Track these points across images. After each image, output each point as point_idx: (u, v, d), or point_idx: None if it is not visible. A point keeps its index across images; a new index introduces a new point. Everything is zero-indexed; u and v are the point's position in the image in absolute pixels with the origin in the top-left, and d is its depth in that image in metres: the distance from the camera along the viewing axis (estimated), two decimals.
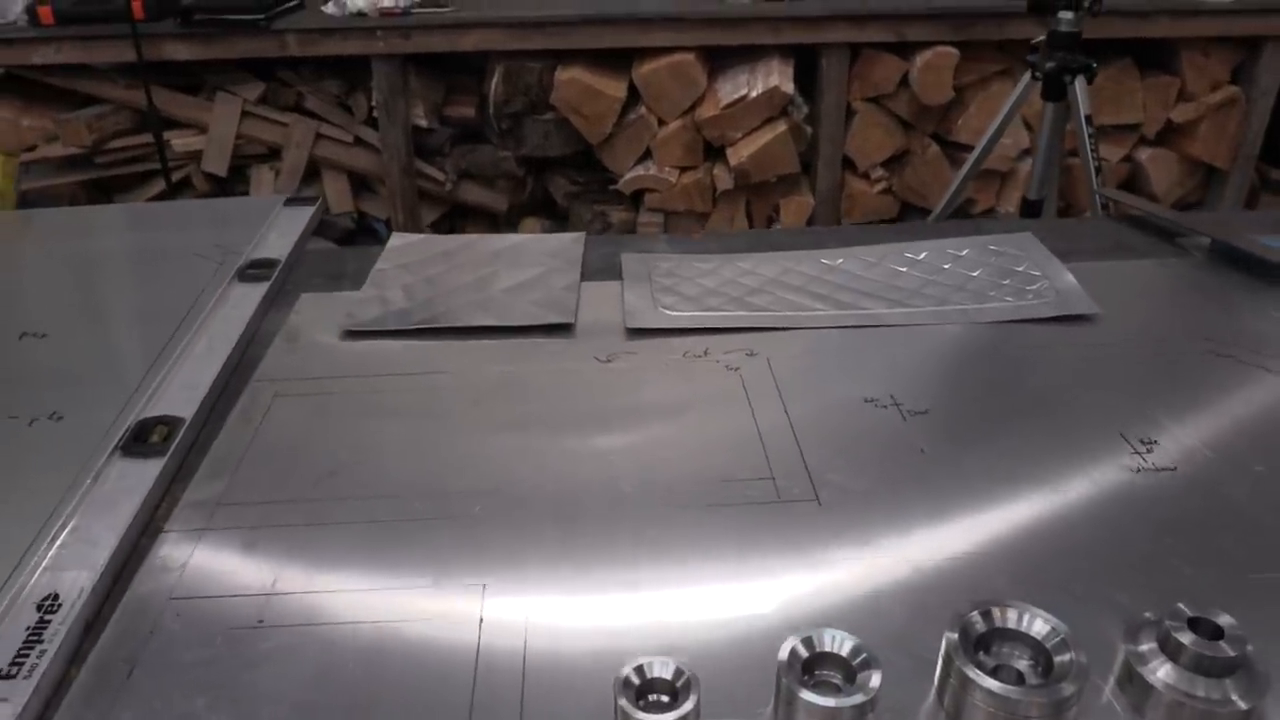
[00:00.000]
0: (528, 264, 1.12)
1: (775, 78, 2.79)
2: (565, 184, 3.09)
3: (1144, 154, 3.03)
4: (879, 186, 2.99)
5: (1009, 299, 1.01)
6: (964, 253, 1.12)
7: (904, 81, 2.87)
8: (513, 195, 3.10)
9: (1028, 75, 2.16)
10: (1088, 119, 2.09)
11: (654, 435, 0.80)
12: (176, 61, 2.79)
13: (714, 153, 2.95)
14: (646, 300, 1.01)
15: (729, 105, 2.80)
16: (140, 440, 0.79)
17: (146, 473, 0.76)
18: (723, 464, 0.75)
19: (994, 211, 3.04)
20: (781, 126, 2.82)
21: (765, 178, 2.89)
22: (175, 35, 2.75)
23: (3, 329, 1.00)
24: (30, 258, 1.19)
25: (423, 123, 2.92)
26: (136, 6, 2.67)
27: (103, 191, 3.04)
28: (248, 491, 0.74)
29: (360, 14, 2.77)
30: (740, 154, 2.85)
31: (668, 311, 0.99)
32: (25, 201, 3.03)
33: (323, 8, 2.84)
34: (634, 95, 2.88)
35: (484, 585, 0.64)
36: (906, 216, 3.05)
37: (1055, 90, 2.10)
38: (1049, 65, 2.07)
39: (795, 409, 0.82)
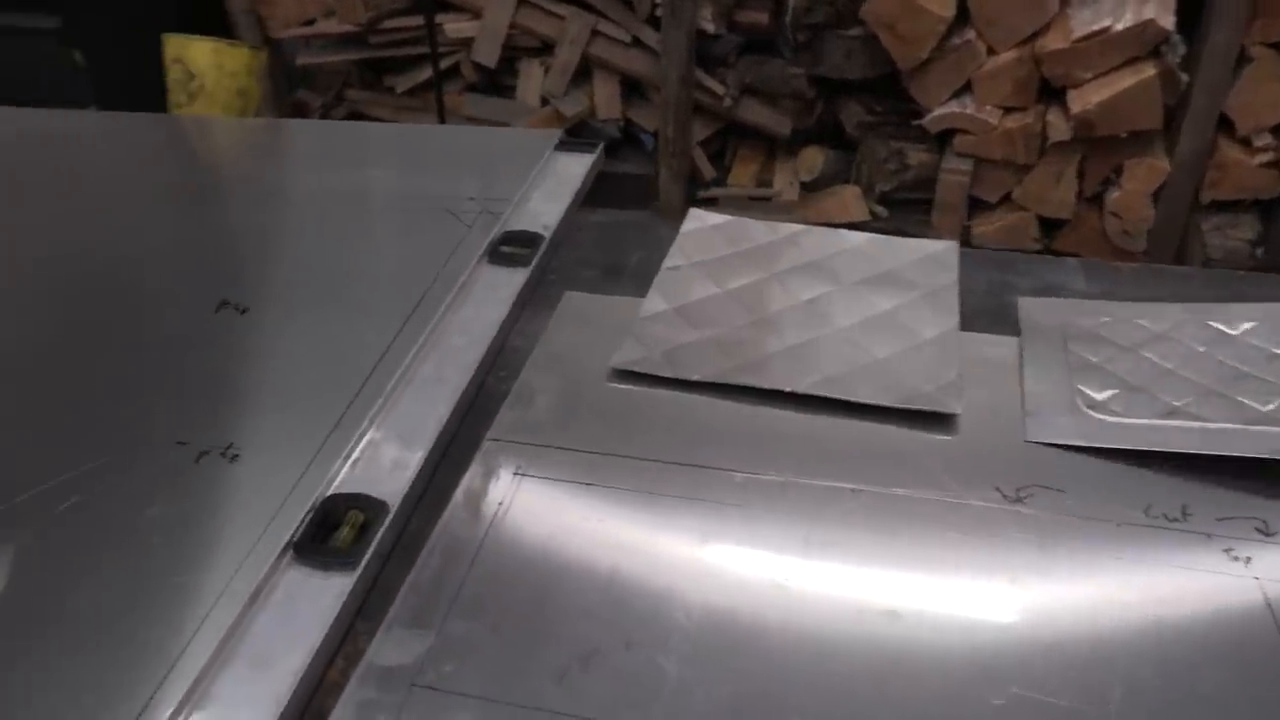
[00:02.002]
0: (877, 287, 0.78)
1: (1152, 8, 2.22)
2: (860, 112, 2.67)
3: None
4: (1262, 158, 2.37)
5: None
6: None
7: None
8: (798, 119, 2.72)
9: None
10: None
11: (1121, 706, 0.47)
12: None
13: (1050, 94, 2.43)
14: (1060, 385, 0.66)
15: (1084, 38, 2.27)
16: (323, 535, 0.55)
17: (324, 599, 0.51)
18: None
19: None
20: (1149, 70, 2.26)
21: (1114, 132, 2.35)
22: None
23: (203, 291, 0.79)
24: (257, 187, 0.98)
25: (709, 27, 2.58)
26: None
27: (375, 71, 2.93)
28: (457, 670, 0.48)
29: None
30: (1087, 99, 2.32)
31: (1098, 415, 0.63)
32: (304, 76, 2.98)
33: None
34: (962, 15, 2.40)
35: None
36: None
37: None
38: None
39: None
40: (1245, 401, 0.64)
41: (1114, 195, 2.46)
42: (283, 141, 1.12)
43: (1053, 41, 2.32)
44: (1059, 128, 2.40)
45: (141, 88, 2.59)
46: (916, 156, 2.59)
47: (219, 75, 2.53)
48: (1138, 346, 0.70)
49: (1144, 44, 2.25)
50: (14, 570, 0.55)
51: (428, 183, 0.96)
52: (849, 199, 2.65)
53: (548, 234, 0.84)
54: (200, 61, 2.53)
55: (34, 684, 0.48)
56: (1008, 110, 2.45)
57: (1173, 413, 0.63)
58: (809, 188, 2.73)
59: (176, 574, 0.53)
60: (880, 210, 2.65)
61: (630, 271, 0.82)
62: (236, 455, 0.61)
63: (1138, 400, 0.64)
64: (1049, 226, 2.57)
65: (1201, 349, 0.69)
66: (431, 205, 0.90)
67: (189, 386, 0.69)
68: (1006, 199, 2.57)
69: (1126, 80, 2.28)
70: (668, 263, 0.81)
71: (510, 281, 0.78)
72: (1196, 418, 0.63)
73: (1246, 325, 0.71)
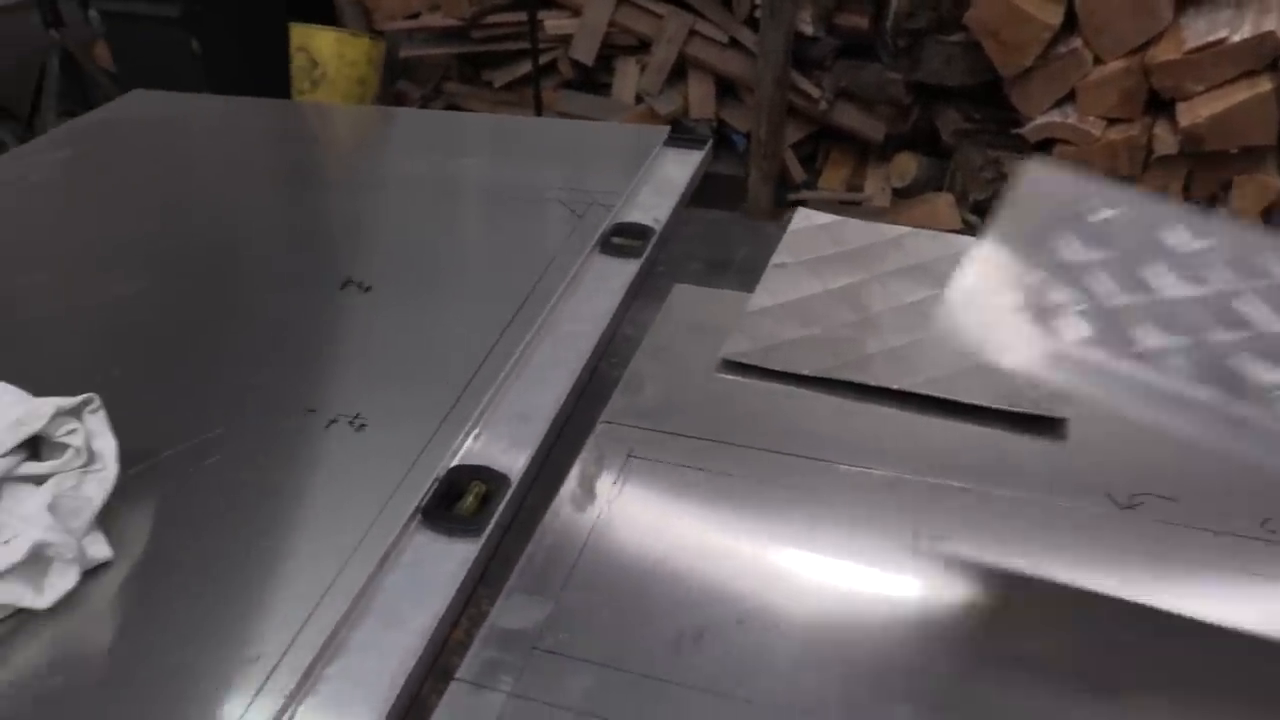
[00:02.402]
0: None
1: (1272, 19, 2.15)
2: (957, 119, 2.64)
3: None
4: None
5: None
6: None
7: None
8: (892, 124, 2.70)
9: None
10: None
11: None
12: None
13: (1158, 106, 2.37)
14: (1013, 278, 0.60)
15: (1197, 49, 2.20)
16: (448, 504, 0.57)
17: (448, 561, 0.54)
18: None
19: None
20: (1265, 85, 2.19)
21: (1224, 147, 2.28)
22: None
23: (328, 269, 0.83)
24: (377, 172, 1.03)
25: (808, 29, 2.58)
26: None
27: (473, 66, 2.99)
28: (575, 637, 0.50)
29: None
30: (1196, 112, 2.25)
31: (1038, 330, 0.55)
32: (405, 68, 3.06)
33: None
34: (1069, 23, 2.36)
35: None
36: None
37: None
38: None
39: None
40: (1245, 372, 0.50)
41: (1221, 212, 2.39)
42: (400, 129, 1.16)
43: (1164, 52, 2.26)
44: (1166, 141, 2.34)
45: (251, 75, 2.70)
46: (1013, 165, 2.55)
47: (340, 64, 2.62)
48: (1144, 261, 0.57)
49: (1261, 57, 2.17)
50: (158, 521, 0.59)
51: (539, 173, 0.99)
52: (941, 207, 2.62)
53: (658, 227, 0.86)
54: (324, 51, 2.62)
55: (173, 629, 0.51)
56: (1112, 121, 2.40)
57: (1140, 356, 0.51)
58: (900, 194, 2.70)
59: (309, 533, 0.57)
60: (973, 219, 2.61)
61: (736, 267, 0.84)
62: (363, 425, 0.65)
63: (1103, 329, 0.52)
64: None
65: (1230, 284, 0.55)
66: (543, 195, 0.93)
67: (318, 358, 0.72)
68: None
69: (1240, 94, 2.21)
70: (775, 260, 0.82)
71: (622, 271, 0.80)
72: (1162, 373, 0.50)
73: None
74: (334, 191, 1.00)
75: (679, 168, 0.98)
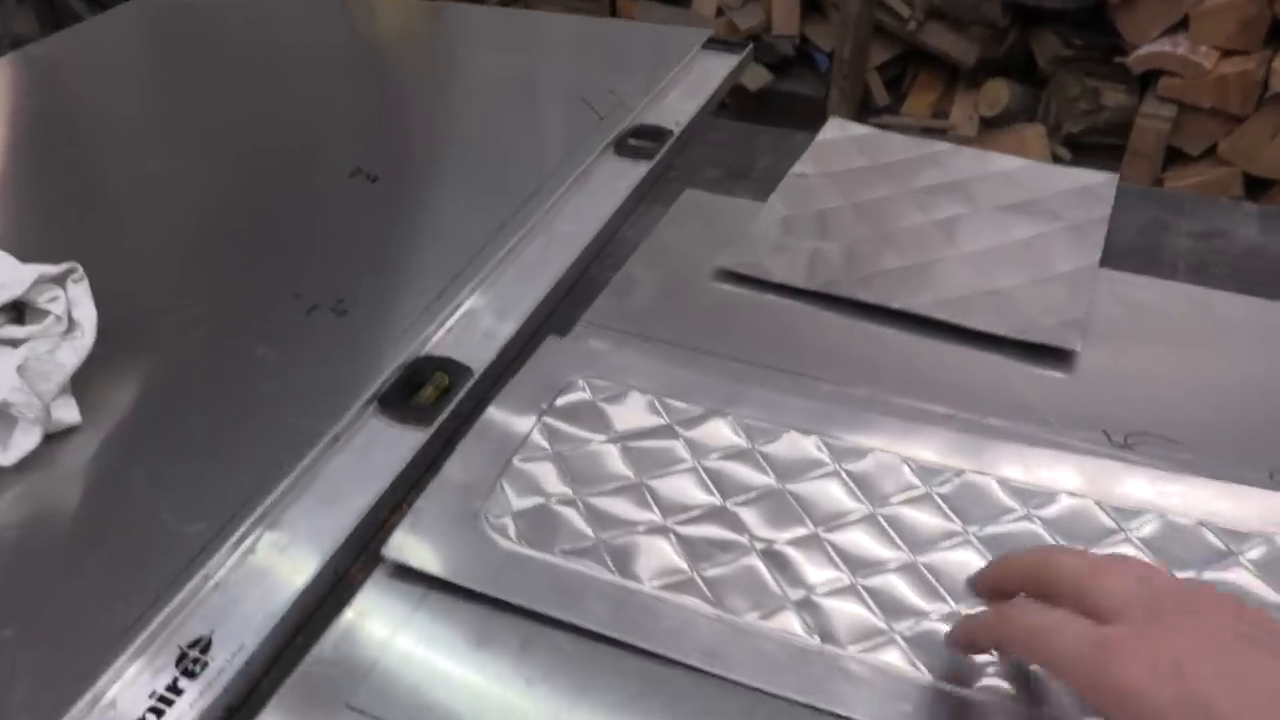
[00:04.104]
0: (1018, 214, 0.73)
1: None
2: (1056, 45, 2.48)
3: None
4: None
5: None
6: None
7: None
8: (985, 48, 2.55)
9: None
10: None
11: None
12: None
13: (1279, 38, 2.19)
14: (477, 471, 0.53)
15: None
16: (409, 393, 0.56)
17: (399, 450, 0.53)
18: None
19: None
20: None
21: None
22: None
23: (338, 158, 0.82)
24: (407, 66, 1.01)
25: None
26: None
27: None
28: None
29: None
30: None
31: (482, 531, 0.49)
32: None
33: None
34: None
35: None
36: None
37: None
38: None
39: None
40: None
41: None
42: (440, 24, 1.14)
43: None
44: None
45: None
46: (1113, 97, 2.39)
47: None
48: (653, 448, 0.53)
49: None
50: (130, 391, 0.59)
51: (572, 72, 0.95)
52: (1030, 138, 2.48)
53: (677, 130, 0.82)
54: None
55: (128, 493, 0.52)
56: (1226, 53, 2.22)
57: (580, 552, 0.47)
58: (989, 124, 2.57)
59: (272, 412, 0.56)
60: (1064, 153, 2.48)
61: (755, 176, 0.80)
62: (344, 311, 0.64)
63: (548, 524, 0.49)
64: (1255, 186, 2.34)
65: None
66: (570, 94, 0.90)
67: (311, 244, 0.72)
68: (1210, 152, 2.35)
69: None
70: (795, 169, 0.78)
71: (631, 173, 0.77)
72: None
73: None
74: (364, 82, 0.98)
75: (714, 72, 0.93)
